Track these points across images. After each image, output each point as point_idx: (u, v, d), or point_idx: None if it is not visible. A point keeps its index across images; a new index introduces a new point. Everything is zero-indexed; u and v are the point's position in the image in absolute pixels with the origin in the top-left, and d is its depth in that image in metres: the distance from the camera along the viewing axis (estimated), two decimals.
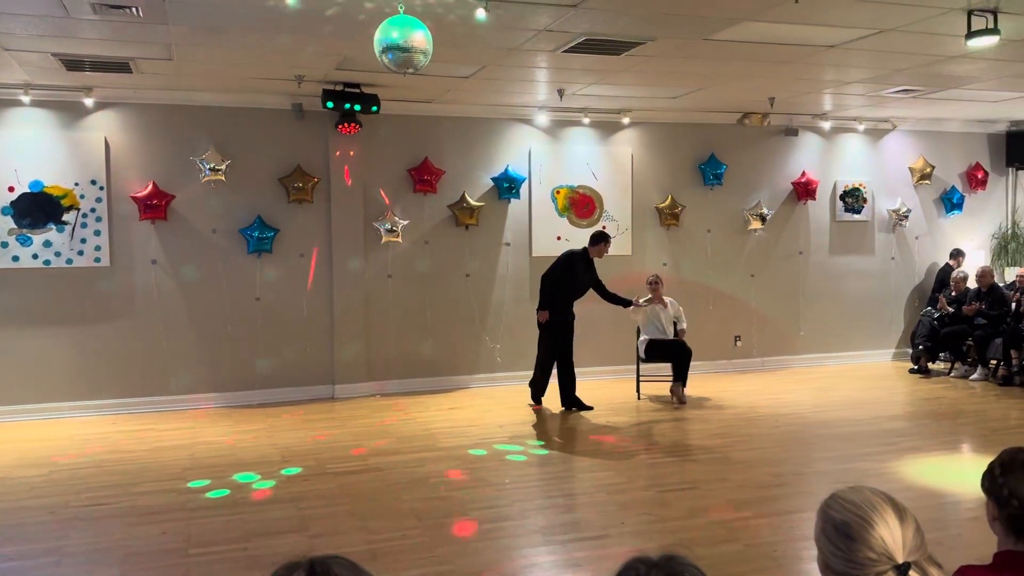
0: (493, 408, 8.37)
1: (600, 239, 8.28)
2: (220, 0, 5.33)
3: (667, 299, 8.80)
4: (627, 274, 9.88)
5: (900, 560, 1.48)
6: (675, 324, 8.81)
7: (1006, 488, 1.93)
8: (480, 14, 5.44)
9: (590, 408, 8.20)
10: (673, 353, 8.53)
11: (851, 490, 1.59)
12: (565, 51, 6.74)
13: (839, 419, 7.75)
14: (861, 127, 10.77)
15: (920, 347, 10.18)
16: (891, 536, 1.49)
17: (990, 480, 1.99)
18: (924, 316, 10.42)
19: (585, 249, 8.27)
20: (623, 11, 5.67)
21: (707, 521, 5.01)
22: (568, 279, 8.11)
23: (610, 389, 9.10)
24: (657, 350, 8.60)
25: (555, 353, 8.21)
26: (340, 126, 8.55)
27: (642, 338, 8.68)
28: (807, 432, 7.31)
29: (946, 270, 10.82)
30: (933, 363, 10.26)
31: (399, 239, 9.07)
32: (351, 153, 8.90)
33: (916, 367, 10.16)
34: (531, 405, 8.33)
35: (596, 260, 8.32)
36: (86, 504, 5.51)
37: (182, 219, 8.51)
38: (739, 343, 10.48)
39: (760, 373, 10.29)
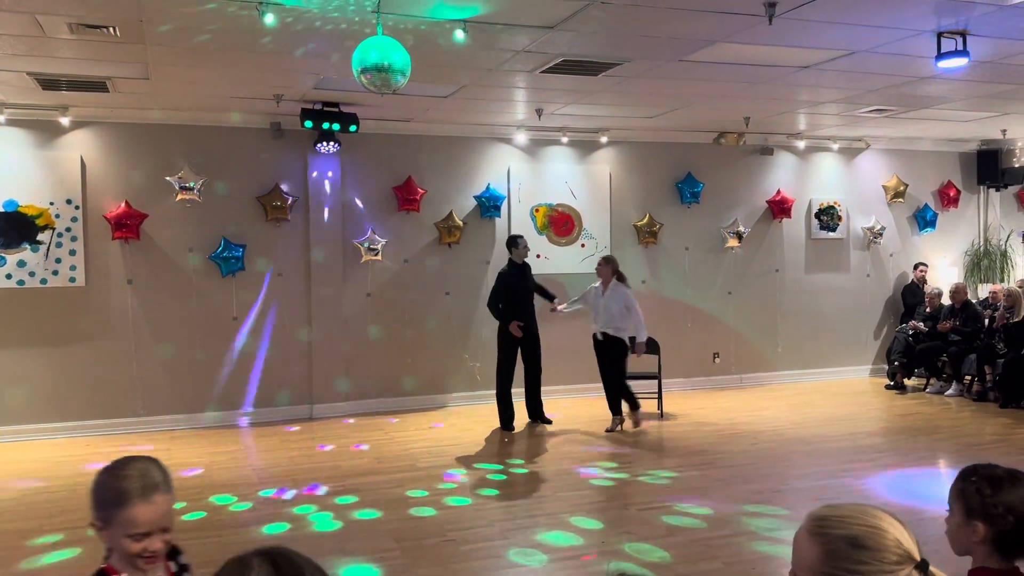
0: (472, 427, 8.34)
1: (511, 244, 8.33)
2: (198, 20, 5.32)
3: (618, 288, 8.07)
4: None
5: (918, 557, 1.46)
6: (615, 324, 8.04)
7: (1000, 506, 1.93)
8: (458, 35, 5.48)
9: (549, 422, 8.26)
10: (602, 365, 8.21)
11: (833, 507, 1.54)
12: (543, 71, 6.79)
13: (817, 435, 7.80)
14: (835, 146, 10.92)
15: (896, 363, 10.28)
16: (903, 536, 1.46)
17: (980, 500, 1.96)
18: (899, 332, 10.53)
19: (510, 260, 8.30)
20: (599, 33, 5.72)
21: (687, 539, 5.01)
22: (512, 294, 8.12)
23: (588, 406, 9.10)
24: (596, 347, 8.28)
25: (512, 374, 8.18)
26: (319, 145, 8.55)
27: None
28: (785, 449, 7.35)
29: (911, 288, 10.97)
30: (909, 379, 10.36)
31: (379, 257, 9.07)
32: (330, 172, 8.90)
33: (892, 383, 10.26)
34: (505, 432, 8.17)
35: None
36: (59, 528, 5.42)
37: (154, 239, 8.44)
38: (718, 360, 10.54)
39: (738, 390, 10.34)
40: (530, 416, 8.38)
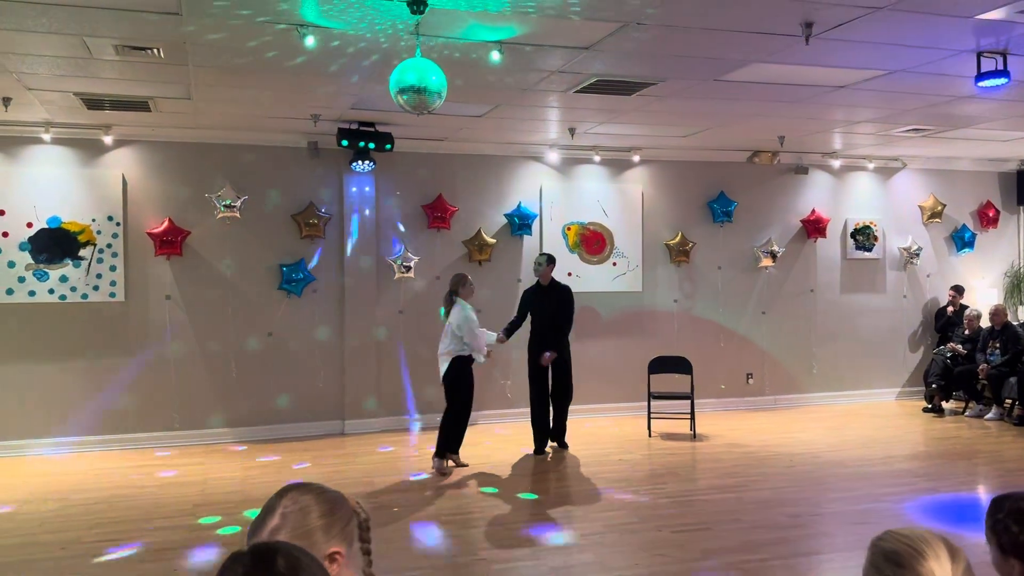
0: (503, 445, 8.32)
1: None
2: (239, 42, 5.43)
3: (460, 305, 7.45)
4: (638, 310, 9.90)
5: None
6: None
7: None
8: (494, 56, 5.54)
9: (565, 447, 8.13)
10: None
11: (907, 527, 1.59)
12: (577, 91, 6.82)
13: (854, 458, 7.69)
14: (871, 165, 10.82)
15: (934, 385, 10.10)
16: (941, 570, 1.45)
17: (1010, 540, 1.90)
18: (937, 355, 10.36)
19: (537, 283, 8.20)
20: (635, 53, 5.74)
21: (722, 562, 4.96)
22: (532, 314, 8.09)
23: (621, 426, 9.06)
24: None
25: (543, 399, 8.02)
26: (354, 163, 8.65)
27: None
28: (822, 472, 7.25)
29: (943, 313, 10.79)
30: (947, 402, 10.18)
31: (411, 275, 9.13)
32: (365, 190, 9.00)
33: (930, 406, 10.08)
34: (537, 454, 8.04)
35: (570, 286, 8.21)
36: (97, 540, 5.50)
37: (197, 255, 8.59)
38: (751, 381, 10.43)
39: (773, 411, 10.22)
40: (551, 438, 8.18)
